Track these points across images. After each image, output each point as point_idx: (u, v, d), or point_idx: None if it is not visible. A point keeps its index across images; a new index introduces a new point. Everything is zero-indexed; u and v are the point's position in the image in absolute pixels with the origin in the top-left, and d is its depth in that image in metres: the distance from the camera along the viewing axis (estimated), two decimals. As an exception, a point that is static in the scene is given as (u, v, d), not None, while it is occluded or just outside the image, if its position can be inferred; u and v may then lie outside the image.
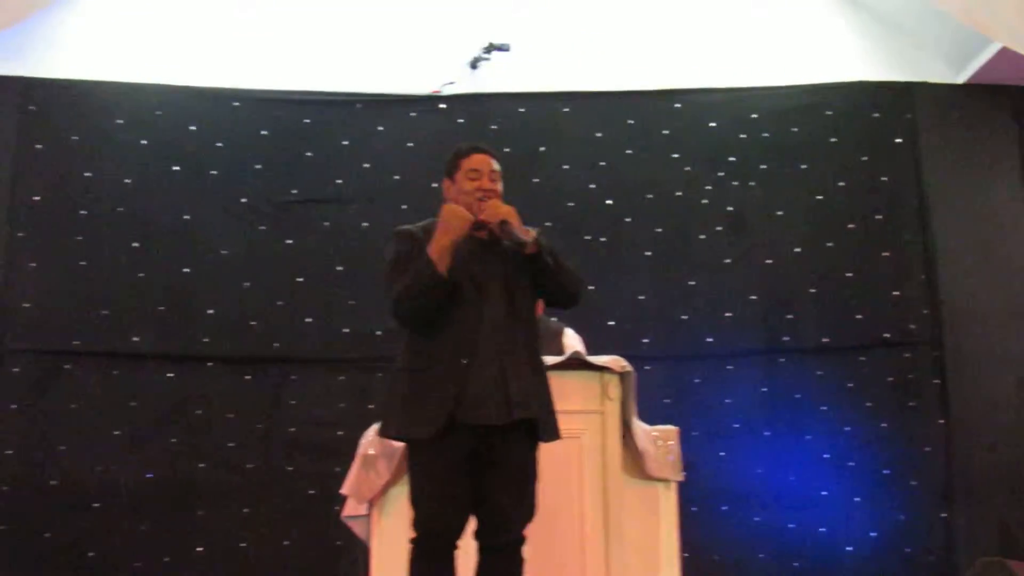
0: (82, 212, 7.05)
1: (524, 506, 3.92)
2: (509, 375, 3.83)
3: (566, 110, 7.49)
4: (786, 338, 7.22)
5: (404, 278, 3.86)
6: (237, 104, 7.33)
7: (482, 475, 3.86)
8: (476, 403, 3.79)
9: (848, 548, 6.92)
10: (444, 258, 3.82)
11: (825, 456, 7.04)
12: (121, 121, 7.19)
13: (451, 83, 7.44)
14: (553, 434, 3.96)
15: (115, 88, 7.23)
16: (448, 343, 3.86)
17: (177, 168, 7.20)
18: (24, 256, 6.94)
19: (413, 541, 3.86)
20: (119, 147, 7.16)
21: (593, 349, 5.19)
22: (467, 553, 3.92)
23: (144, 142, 7.19)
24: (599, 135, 7.47)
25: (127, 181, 7.13)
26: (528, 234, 3.87)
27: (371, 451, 4.63)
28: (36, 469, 6.72)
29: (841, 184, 7.41)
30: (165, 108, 7.25)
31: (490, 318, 3.88)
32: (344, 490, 4.79)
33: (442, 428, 3.76)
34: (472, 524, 3.91)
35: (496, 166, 4.09)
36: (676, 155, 7.46)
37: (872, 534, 6.94)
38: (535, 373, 3.94)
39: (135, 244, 7.06)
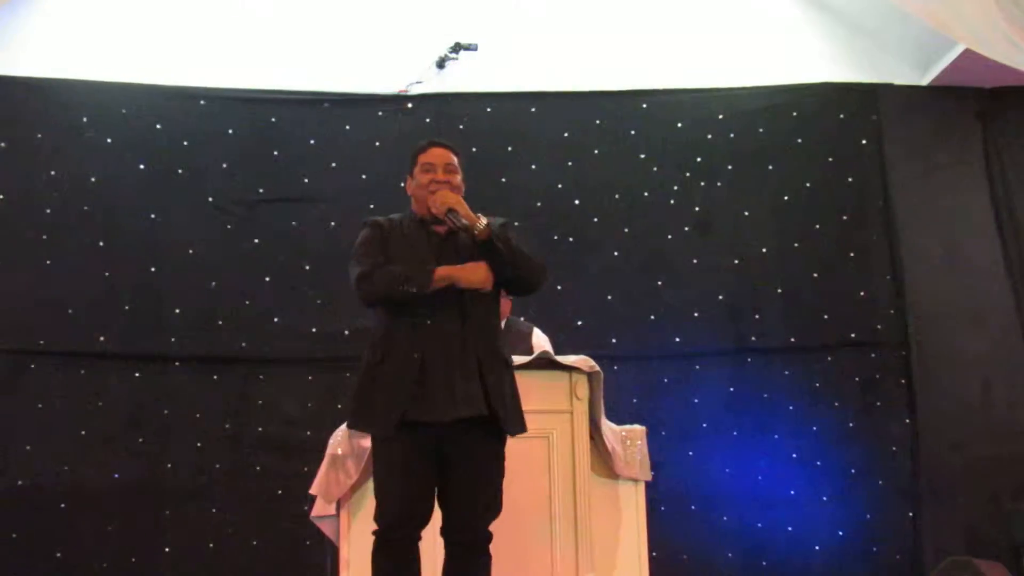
0: (47, 211, 7.00)
1: (489, 503, 3.94)
2: (456, 372, 3.87)
3: (533, 110, 7.50)
4: (753, 338, 7.25)
5: (394, 267, 3.93)
6: (203, 103, 7.29)
7: (447, 472, 3.89)
8: (425, 400, 3.83)
9: (816, 547, 6.96)
10: (439, 284, 3.88)
11: (792, 456, 7.08)
12: (86, 119, 7.13)
13: (418, 82, 7.44)
14: (516, 427, 3.98)
15: (80, 86, 7.18)
16: (401, 338, 3.92)
17: (143, 167, 7.15)
18: (-12, 255, 6.89)
19: (375, 533, 3.90)
20: (84, 145, 7.11)
21: (561, 349, 5.20)
22: (436, 550, 3.94)
23: (109, 140, 7.14)
24: (567, 135, 7.48)
25: (92, 180, 7.08)
26: (477, 220, 3.90)
27: (339, 451, 4.62)
28: (2, 469, 6.66)
29: (807, 185, 7.45)
30: (131, 106, 7.20)
31: (442, 313, 3.92)
32: (313, 490, 4.79)
33: (396, 426, 3.82)
34: (438, 520, 3.94)
35: (452, 159, 4.15)
36: (643, 156, 7.48)
37: (839, 533, 6.98)
38: (492, 368, 3.94)
39: (101, 243, 7.01)
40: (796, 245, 7.37)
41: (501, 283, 4.12)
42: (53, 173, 7.05)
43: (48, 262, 6.94)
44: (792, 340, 7.25)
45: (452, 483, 3.89)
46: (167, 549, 6.71)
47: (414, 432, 3.83)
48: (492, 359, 3.97)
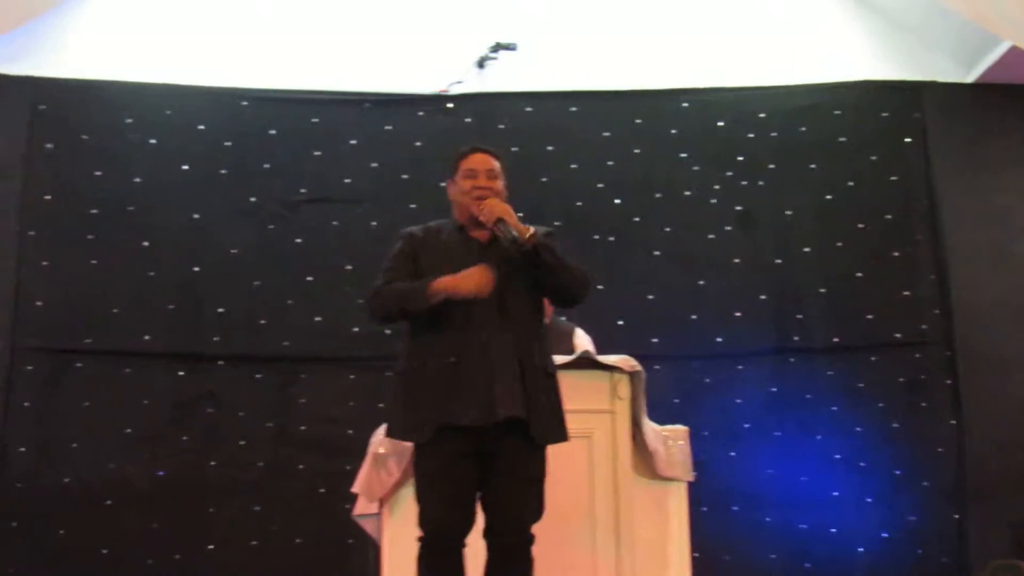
0: (92, 211, 7.07)
1: (531, 505, 3.92)
2: (496, 376, 3.84)
3: (574, 109, 7.49)
4: (796, 338, 7.20)
5: (399, 284, 3.96)
6: (245, 104, 7.34)
7: (488, 474, 3.87)
8: (463, 405, 3.81)
9: (860, 549, 6.90)
10: (440, 296, 3.84)
11: (836, 456, 7.02)
12: (131, 120, 7.20)
13: (458, 82, 7.46)
14: (554, 436, 3.95)
15: (124, 88, 7.25)
16: (439, 343, 3.90)
17: (186, 167, 7.21)
18: (36, 255, 6.96)
19: (420, 540, 3.89)
20: (129, 146, 7.18)
21: (603, 349, 5.19)
22: (477, 552, 3.94)
23: (153, 141, 7.21)
24: (607, 134, 7.46)
25: (137, 180, 7.15)
26: (525, 231, 3.88)
27: (381, 450, 4.63)
28: (49, 467, 6.74)
29: (850, 184, 7.40)
30: (174, 108, 7.26)
31: (480, 319, 3.88)
32: (355, 488, 4.80)
33: (432, 433, 3.81)
34: (480, 523, 3.93)
35: (494, 164, 4.11)
36: (684, 154, 7.45)
37: (884, 535, 6.92)
38: (532, 374, 3.91)
39: (145, 243, 7.07)
40: (839, 244, 7.32)
41: (546, 294, 4.12)
42: (98, 174, 7.12)
43: (93, 262, 7.00)
44: (835, 340, 7.20)
45: (494, 485, 3.87)
46: (210, 547, 6.76)
47: (454, 437, 3.81)
48: (531, 365, 3.95)
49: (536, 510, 3.93)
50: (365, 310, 4.07)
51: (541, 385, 3.94)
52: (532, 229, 3.91)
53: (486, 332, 3.88)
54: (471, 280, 3.82)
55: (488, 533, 3.91)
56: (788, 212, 7.38)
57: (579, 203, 7.32)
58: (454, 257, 3.96)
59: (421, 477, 3.92)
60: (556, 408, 3.98)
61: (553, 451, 3.98)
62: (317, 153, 7.33)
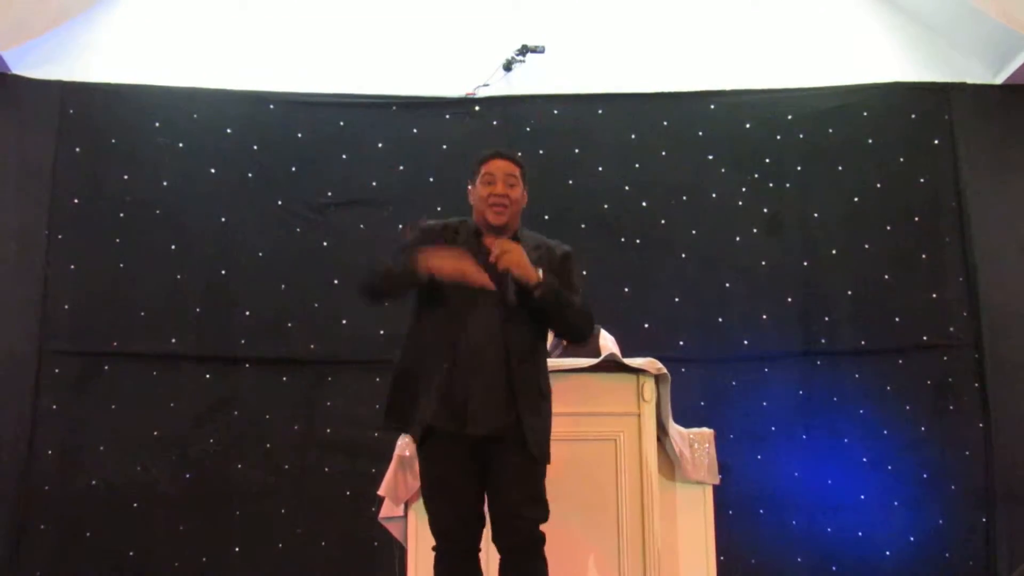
0: (120, 214, 7.11)
1: (531, 503, 3.87)
2: (473, 390, 3.82)
3: (600, 112, 7.48)
4: (823, 340, 7.17)
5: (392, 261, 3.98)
6: (272, 107, 7.36)
7: (487, 476, 3.88)
8: (445, 411, 3.82)
9: (887, 553, 6.87)
10: (420, 266, 3.83)
11: (863, 460, 6.98)
12: (158, 124, 7.24)
13: (485, 85, 7.46)
14: (540, 455, 3.90)
15: (152, 91, 7.29)
16: (432, 348, 3.91)
17: (213, 170, 7.24)
18: (63, 258, 7.00)
19: (435, 549, 3.90)
20: (156, 150, 7.22)
21: (628, 351, 5.17)
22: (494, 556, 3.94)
23: (180, 145, 7.24)
24: (634, 137, 7.44)
25: (164, 183, 7.18)
26: (534, 278, 3.84)
27: (407, 452, 4.65)
28: (76, 469, 6.78)
29: (878, 185, 7.35)
30: (201, 111, 7.29)
31: (475, 331, 3.88)
32: (381, 491, 4.81)
33: (424, 432, 3.84)
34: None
35: (514, 171, 4.11)
36: (711, 157, 7.43)
37: (911, 539, 6.88)
38: (520, 392, 3.87)
39: (172, 246, 7.10)
40: (867, 246, 7.27)
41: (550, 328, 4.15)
42: (126, 177, 7.16)
43: (121, 265, 7.05)
44: (863, 343, 7.16)
45: (493, 487, 3.87)
46: (237, 549, 6.79)
47: (450, 443, 3.83)
48: (528, 385, 3.91)
49: (539, 508, 3.89)
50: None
51: (537, 407, 3.92)
52: (540, 276, 3.87)
53: (479, 345, 3.86)
54: (466, 275, 3.78)
55: (495, 536, 3.90)
56: (815, 214, 7.34)
57: (606, 206, 7.31)
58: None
59: (425, 486, 3.94)
60: (546, 430, 3.95)
61: (579, 454, 4.01)
62: (344, 156, 7.34)
